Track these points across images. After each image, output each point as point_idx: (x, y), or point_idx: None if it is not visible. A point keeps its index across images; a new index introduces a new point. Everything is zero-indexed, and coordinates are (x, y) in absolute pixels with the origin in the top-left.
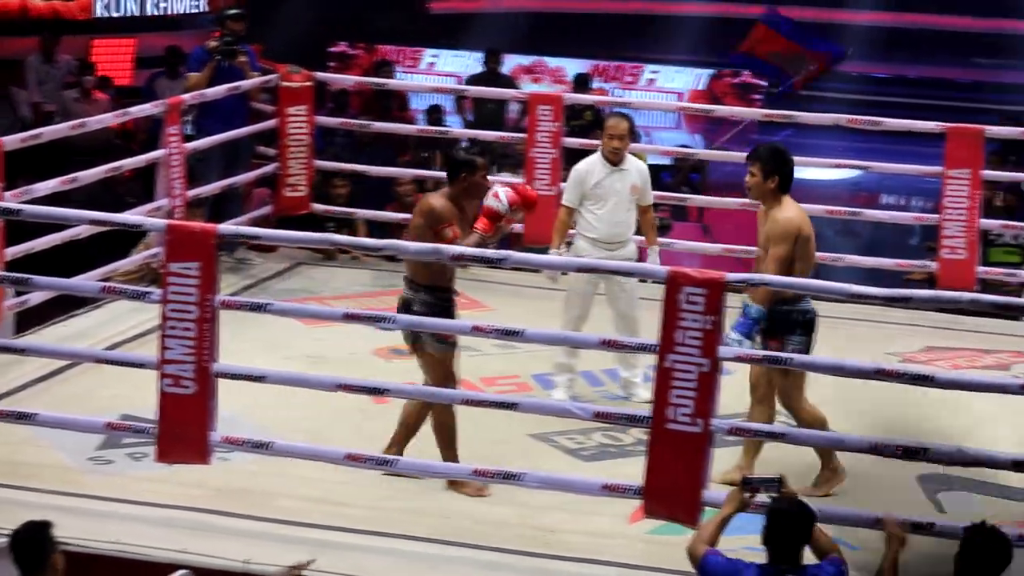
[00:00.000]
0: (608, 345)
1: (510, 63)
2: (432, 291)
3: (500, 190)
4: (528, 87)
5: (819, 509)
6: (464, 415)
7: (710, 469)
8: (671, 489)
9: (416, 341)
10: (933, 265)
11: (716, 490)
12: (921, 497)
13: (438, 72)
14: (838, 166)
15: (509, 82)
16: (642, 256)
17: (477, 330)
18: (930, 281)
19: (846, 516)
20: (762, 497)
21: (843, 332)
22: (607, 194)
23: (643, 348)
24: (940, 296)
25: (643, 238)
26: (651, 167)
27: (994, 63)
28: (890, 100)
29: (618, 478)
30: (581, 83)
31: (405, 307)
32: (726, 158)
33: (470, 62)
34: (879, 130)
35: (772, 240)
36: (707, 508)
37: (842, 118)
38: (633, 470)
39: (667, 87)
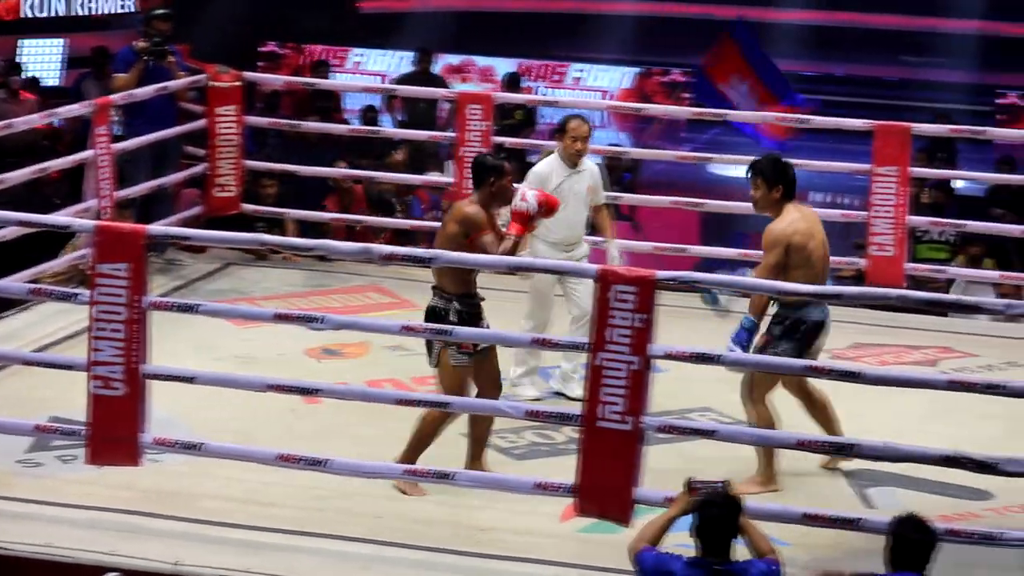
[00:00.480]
0: (540, 344)
1: (440, 62)
2: (463, 299)
3: (527, 192)
4: (458, 86)
5: (749, 506)
6: (395, 415)
7: (642, 467)
8: (603, 487)
9: (429, 350)
10: (862, 262)
11: (648, 488)
12: (850, 493)
13: (365, 71)
14: None
15: (440, 81)
16: (599, 254)
17: (408, 330)
18: (859, 278)
19: (776, 512)
20: None
21: None
22: (566, 196)
23: (574, 346)
24: (868, 293)
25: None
26: None
27: (921, 61)
28: (818, 98)
29: (550, 477)
30: (511, 82)
31: (437, 317)
32: (657, 157)
33: (395, 61)
34: (807, 128)
35: (765, 246)
36: (639, 506)
37: (770, 116)
38: (565, 468)
39: (593, 86)
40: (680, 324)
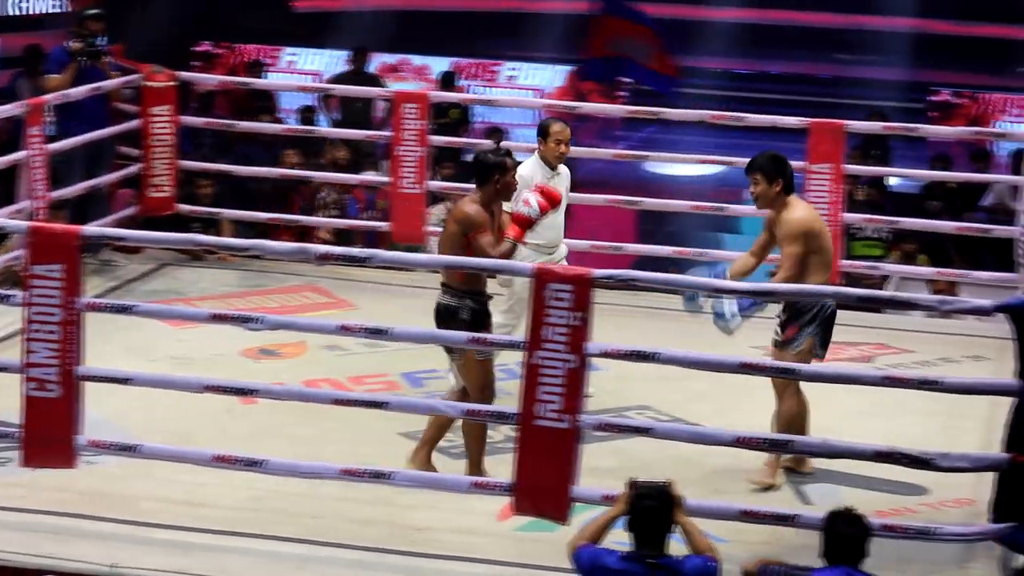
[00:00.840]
0: (476, 343)
1: (375, 61)
2: (476, 297)
3: (531, 196)
4: (394, 85)
5: (687, 503)
6: (333, 415)
7: (579, 465)
8: (540, 486)
9: (450, 347)
10: None
11: (585, 486)
12: (787, 489)
13: (298, 71)
14: (702, 162)
15: (376, 80)
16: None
17: (344, 329)
18: None
19: (714, 509)
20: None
21: (709, 327)
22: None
23: (511, 345)
24: (804, 290)
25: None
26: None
27: (854, 59)
28: (753, 96)
29: (487, 475)
30: (447, 81)
31: (450, 315)
32: (592, 155)
33: (329, 60)
34: (743, 126)
35: (784, 241)
36: (576, 504)
37: (706, 114)
38: (503, 467)
39: (527, 84)
40: (625, 323)
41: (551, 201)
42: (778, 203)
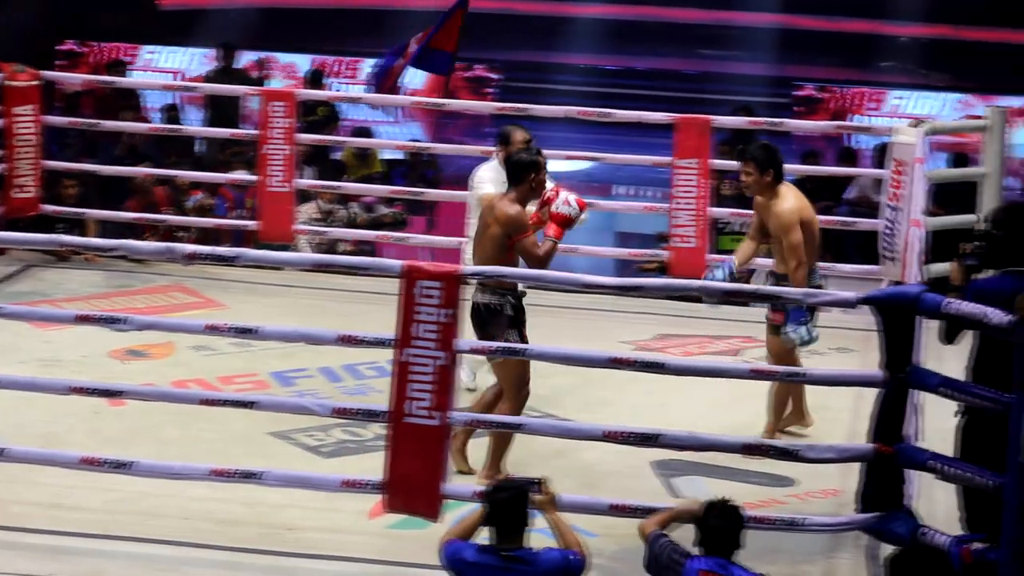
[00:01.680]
0: (345, 341)
1: (242, 59)
2: (514, 292)
3: (569, 196)
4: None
5: (557, 497)
6: (202, 415)
7: (450, 462)
8: (411, 483)
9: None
10: (665, 254)
11: (457, 483)
12: (656, 483)
13: (157, 69)
14: (570, 158)
15: (243, 77)
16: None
17: (212, 329)
18: (662, 269)
19: (583, 504)
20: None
21: (578, 322)
22: None
23: (380, 342)
24: (671, 284)
25: None
26: (386, 163)
27: (719, 54)
28: (620, 92)
29: (358, 474)
30: (314, 79)
31: (492, 312)
32: (461, 152)
33: (189, 58)
34: (610, 122)
35: (782, 232)
36: (448, 501)
37: (573, 110)
38: (374, 465)
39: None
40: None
41: (582, 207)
42: (769, 192)
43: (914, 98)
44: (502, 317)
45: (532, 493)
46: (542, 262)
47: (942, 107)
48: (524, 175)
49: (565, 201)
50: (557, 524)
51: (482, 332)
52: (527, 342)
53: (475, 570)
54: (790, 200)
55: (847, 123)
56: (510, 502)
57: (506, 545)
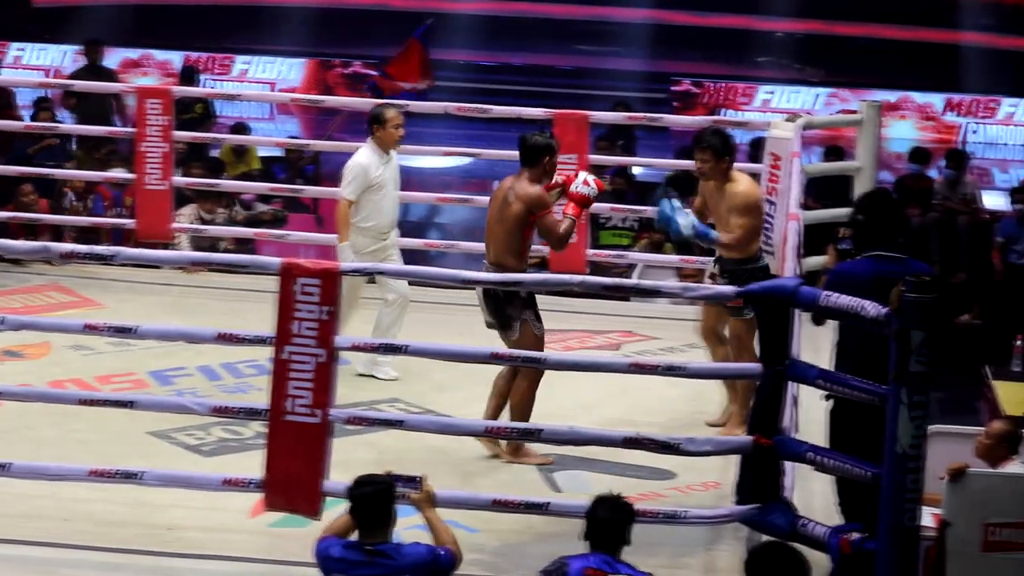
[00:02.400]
0: (224, 339)
1: (117, 56)
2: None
3: (588, 177)
4: (138, 80)
5: (438, 494)
6: (80, 416)
7: (330, 460)
8: (291, 481)
9: (508, 324)
10: (544, 249)
11: (337, 480)
12: (537, 477)
13: (25, 66)
14: (448, 154)
15: (111, 75)
16: None
17: (90, 328)
18: (542, 265)
19: (464, 499)
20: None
21: (458, 318)
22: (385, 184)
23: (259, 340)
24: (550, 280)
25: None
26: (264, 159)
27: (596, 50)
28: (497, 88)
29: (239, 472)
30: (188, 76)
31: (508, 295)
32: (340, 149)
33: (59, 55)
34: (487, 117)
35: (735, 212)
36: (328, 499)
37: (451, 106)
38: (254, 464)
39: (260, 77)
40: (374, 316)
41: (600, 187)
42: (724, 177)
43: (784, 93)
44: (517, 298)
45: (411, 491)
46: (562, 240)
47: (813, 101)
48: (539, 157)
49: (584, 181)
50: (433, 522)
51: (498, 314)
52: (541, 321)
53: (340, 565)
54: (745, 184)
55: (724, 118)
56: (373, 497)
57: (370, 540)
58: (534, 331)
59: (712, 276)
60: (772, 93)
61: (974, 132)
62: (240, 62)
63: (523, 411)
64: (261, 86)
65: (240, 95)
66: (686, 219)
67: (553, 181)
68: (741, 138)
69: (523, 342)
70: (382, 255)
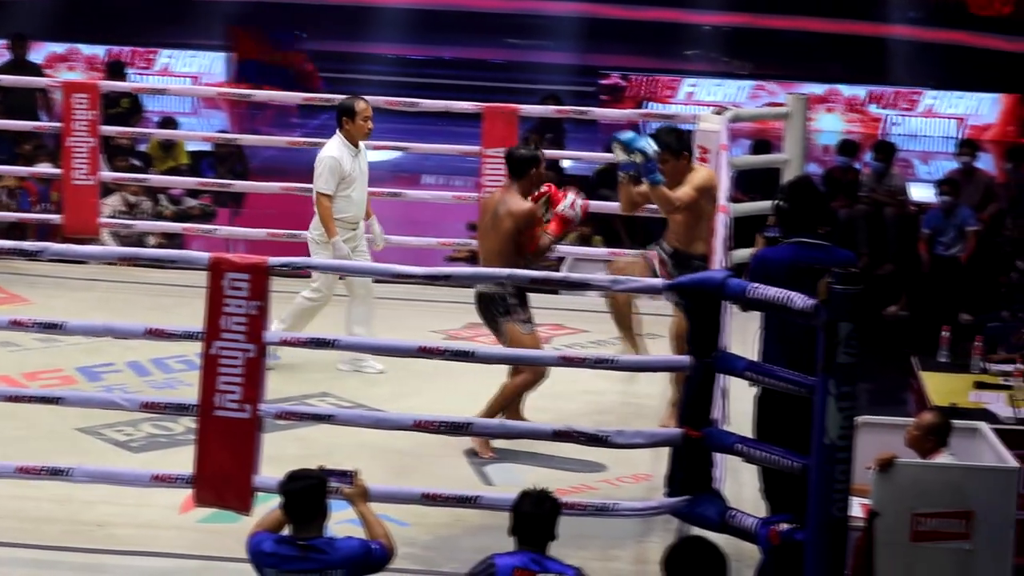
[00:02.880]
0: (153, 334)
1: (43, 51)
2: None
3: (577, 200)
4: (65, 75)
5: (371, 488)
6: (7, 412)
7: (260, 454)
8: (221, 476)
9: (496, 327)
10: (474, 243)
11: (268, 475)
12: (468, 471)
13: None
14: (378, 148)
15: (37, 70)
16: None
17: (16, 324)
18: (472, 258)
19: (395, 494)
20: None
21: (387, 312)
22: (356, 176)
23: (188, 336)
24: (479, 273)
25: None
26: (192, 154)
27: (526, 43)
28: (427, 81)
29: (169, 468)
30: (115, 70)
31: (494, 302)
32: (267, 143)
33: None
34: (417, 111)
35: (692, 185)
36: (259, 494)
37: (380, 100)
38: (184, 459)
39: (183, 71)
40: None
41: (584, 211)
42: (687, 172)
43: (708, 85)
44: (505, 303)
45: (343, 485)
46: (537, 255)
47: (736, 94)
48: (525, 170)
49: (572, 204)
50: (366, 516)
51: (488, 316)
52: (531, 321)
53: (273, 560)
54: (705, 171)
55: (652, 111)
56: (304, 492)
57: (303, 535)
58: (521, 331)
59: (662, 261)
60: (696, 86)
61: (895, 124)
62: (163, 56)
63: (496, 406)
64: (184, 80)
65: (167, 89)
66: (648, 143)
67: (551, 192)
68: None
69: (514, 343)
70: (352, 245)
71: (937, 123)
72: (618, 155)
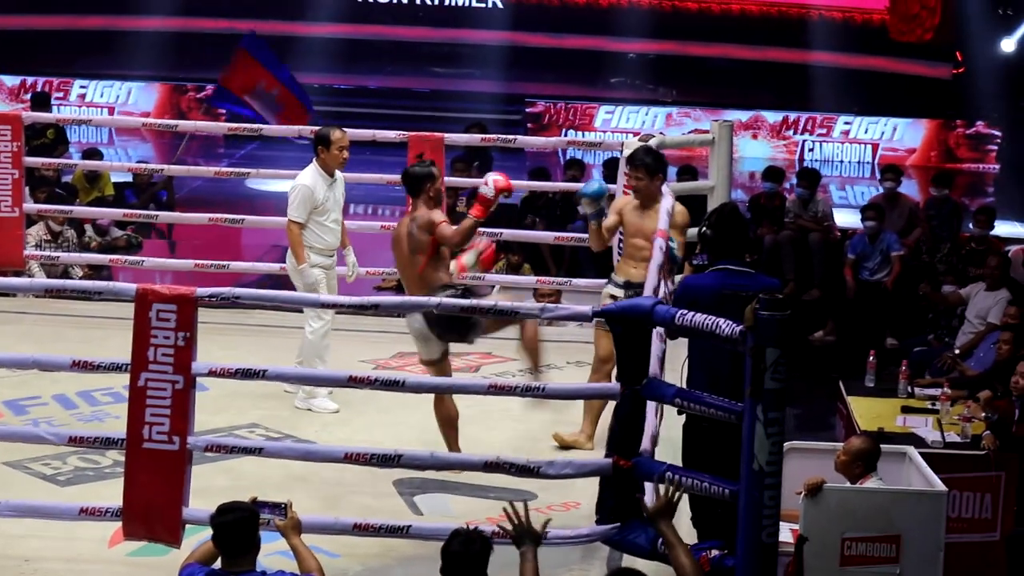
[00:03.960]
0: (79, 366)
1: None
2: (454, 288)
3: (489, 177)
4: None
5: (302, 519)
6: None
7: (189, 487)
8: (150, 509)
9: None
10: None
11: (197, 507)
12: (399, 501)
13: None
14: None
15: None
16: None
17: None
18: (400, 288)
19: (325, 525)
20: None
21: None
22: (330, 205)
23: (115, 367)
24: (408, 302)
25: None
26: (116, 185)
27: (451, 72)
28: (353, 111)
29: (97, 501)
30: (41, 101)
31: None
32: (193, 173)
33: None
34: None
35: (679, 229)
36: (188, 526)
37: (305, 129)
38: (112, 492)
39: (100, 102)
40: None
41: (507, 187)
42: (657, 195)
43: (624, 112)
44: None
45: (276, 518)
46: (463, 238)
47: (653, 121)
48: (421, 187)
49: (485, 182)
50: (298, 549)
51: (451, 330)
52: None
53: None
54: (674, 200)
55: (576, 139)
56: (235, 524)
57: (234, 568)
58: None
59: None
60: (611, 113)
61: (811, 150)
62: (78, 86)
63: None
64: (97, 110)
65: (91, 120)
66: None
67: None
68: (593, 159)
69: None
70: (327, 273)
71: (852, 148)
72: (587, 209)
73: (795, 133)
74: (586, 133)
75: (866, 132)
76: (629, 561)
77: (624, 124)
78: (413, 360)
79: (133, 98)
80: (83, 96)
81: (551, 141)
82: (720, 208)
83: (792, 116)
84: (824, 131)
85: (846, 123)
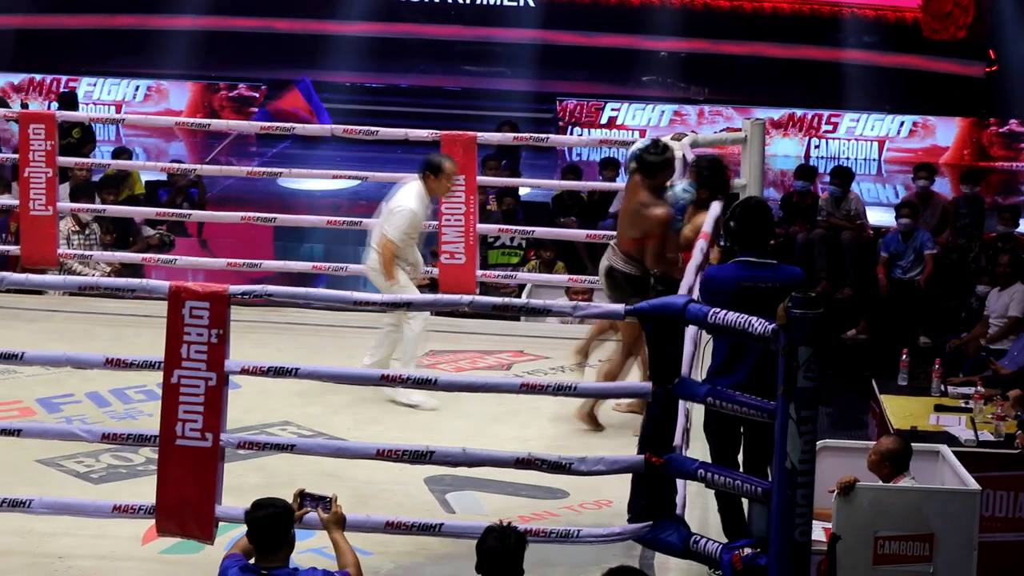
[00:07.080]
0: (113, 364)
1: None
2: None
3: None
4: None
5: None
6: None
7: (222, 484)
8: (183, 506)
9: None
10: (435, 270)
11: (230, 504)
12: (430, 499)
13: None
14: (336, 177)
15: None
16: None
17: None
18: (433, 285)
19: (358, 523)
20: (312, 514)
21: (348, 340)
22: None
23: (148, 365)
24: (440, 300)
25: None
26: (148, 184)
27: (482, 71)
28: (384, 109)
29: (130, 499)
30: (68, 101)
31: (629, 280)
32: (225, 172)
33: None
34: (375, 139)
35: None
36: (221, 523)
37: (337, 128)
38: (145, 490)
39: (106, 100)
40: (264, 339)
41: None
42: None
43: (630, 110)
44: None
45: (321, 510)
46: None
47: (659, 118)
48: (660, 173)
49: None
50: (339, 544)
51: (617, 293)
52: None
53: None
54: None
55: (608, 137)
56: (269, 520)
57: (267, 564)
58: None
59: None
60: (617, 111)
61: (816, 147)
62: (86, 84)
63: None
64: (105, 108)
65: (124, 119)
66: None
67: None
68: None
69: (629, 325)
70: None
71: (858, 145)
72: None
73: (800, 131)
74: (586, 131)
75: (872, 129)
76: (661, 560)
77: (630, 121)
78: (446, 358)
79: (140, 96)
80: (89, 93)
81: (584, 140)
82: (745, 201)
83: (797, 113)
84: (830, 128)
85: (852, 120)
